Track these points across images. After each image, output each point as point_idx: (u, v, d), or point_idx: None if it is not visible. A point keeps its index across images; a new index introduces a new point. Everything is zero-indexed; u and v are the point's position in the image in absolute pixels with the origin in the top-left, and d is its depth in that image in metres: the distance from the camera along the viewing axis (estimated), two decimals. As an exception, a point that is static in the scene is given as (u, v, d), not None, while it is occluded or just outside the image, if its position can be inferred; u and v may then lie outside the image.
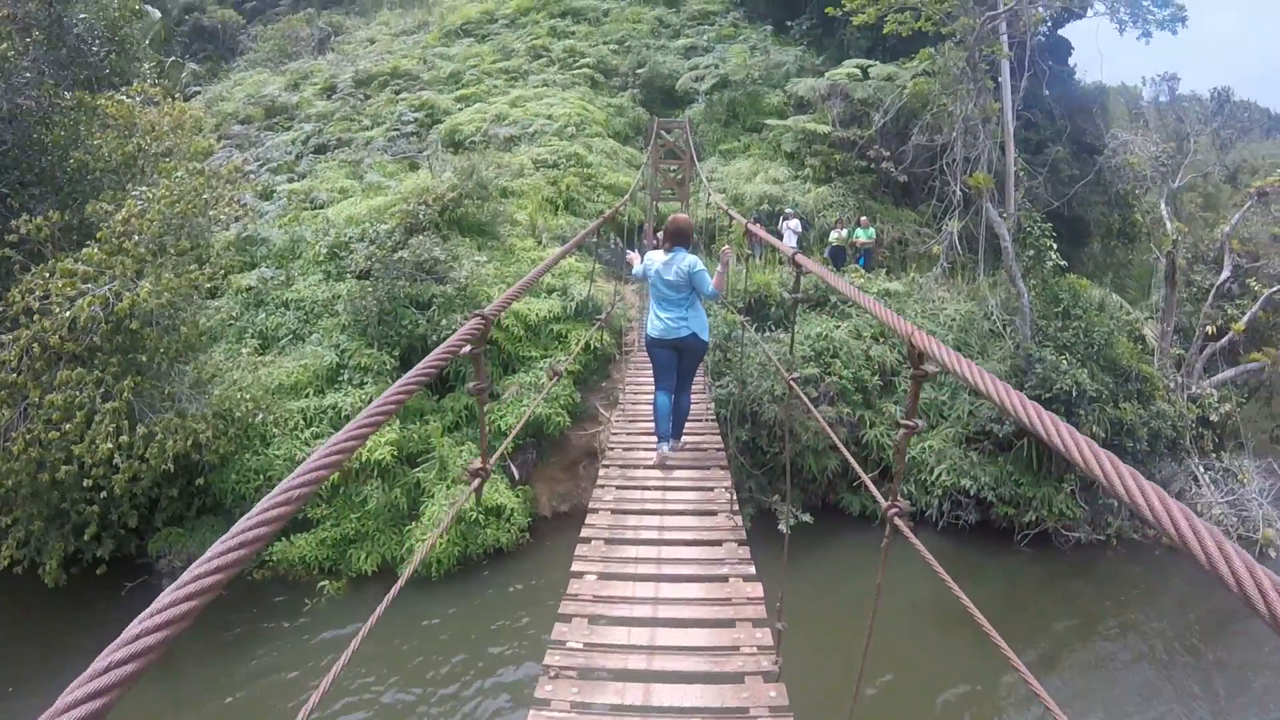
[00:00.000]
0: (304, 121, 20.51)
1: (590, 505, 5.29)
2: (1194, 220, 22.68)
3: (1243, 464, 12.99)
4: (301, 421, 10.53)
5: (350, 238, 12.39)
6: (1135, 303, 18.91)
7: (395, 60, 23.45)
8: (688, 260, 5.61)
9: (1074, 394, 11.17)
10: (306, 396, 10.83)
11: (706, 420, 7.14)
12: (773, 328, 11.90)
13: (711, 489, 5.49)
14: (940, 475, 11.67)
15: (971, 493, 11.46)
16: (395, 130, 19.31)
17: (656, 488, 5.55)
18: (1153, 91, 20.64)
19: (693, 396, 6.34)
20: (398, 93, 21.69)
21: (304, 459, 1.09)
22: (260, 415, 10.11)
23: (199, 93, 25.17)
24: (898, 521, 2.19)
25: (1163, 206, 18.82)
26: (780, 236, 16.01)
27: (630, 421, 7.17)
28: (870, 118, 18.15)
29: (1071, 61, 23.22)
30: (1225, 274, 15.20)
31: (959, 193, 15.32)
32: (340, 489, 9.94)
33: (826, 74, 18.66)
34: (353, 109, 20.94)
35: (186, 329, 9.68)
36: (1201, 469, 12.72)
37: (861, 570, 10.49)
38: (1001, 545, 11.29)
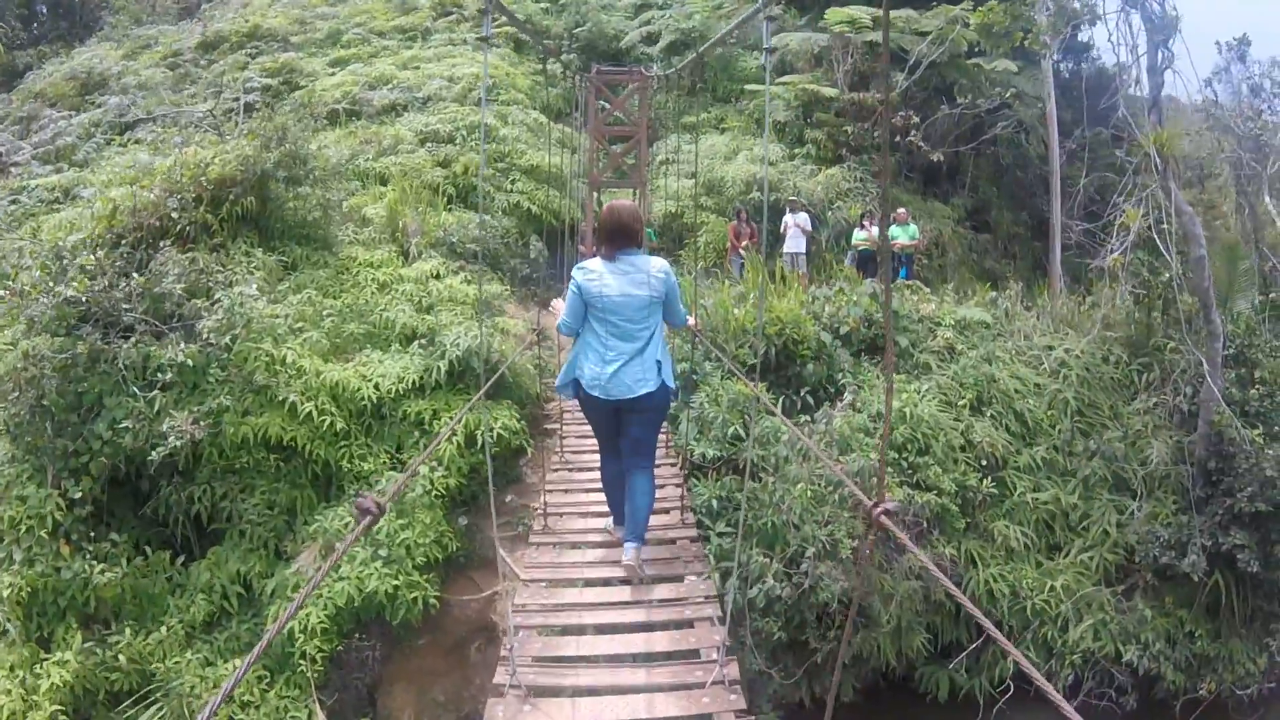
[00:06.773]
0: (115, 95, 14.87)
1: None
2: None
3: None
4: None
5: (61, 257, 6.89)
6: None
7: (257, 18, 17.88)
8: (655, 265, 3.62)
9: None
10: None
11: (672, 498, 4.80)
12: (811, 401, 6.67)
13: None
14: (1081, 636, 6.87)
15: (1132, 664, 6.72)
16: (235, 100, 13.83)
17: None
18: (1224, 59, 16.00)
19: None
20: (254, 56, 16.19)
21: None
22: None
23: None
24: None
25: (1268, 200, 14.36)
26: (781, 237, 11.00)
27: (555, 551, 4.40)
28: (888, 78, 13.30)
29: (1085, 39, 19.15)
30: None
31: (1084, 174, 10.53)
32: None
33: (828, 18, 13.70)
34: (183, 76, 15.37)
35: None
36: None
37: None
38: (1158, 720, 7.04)
